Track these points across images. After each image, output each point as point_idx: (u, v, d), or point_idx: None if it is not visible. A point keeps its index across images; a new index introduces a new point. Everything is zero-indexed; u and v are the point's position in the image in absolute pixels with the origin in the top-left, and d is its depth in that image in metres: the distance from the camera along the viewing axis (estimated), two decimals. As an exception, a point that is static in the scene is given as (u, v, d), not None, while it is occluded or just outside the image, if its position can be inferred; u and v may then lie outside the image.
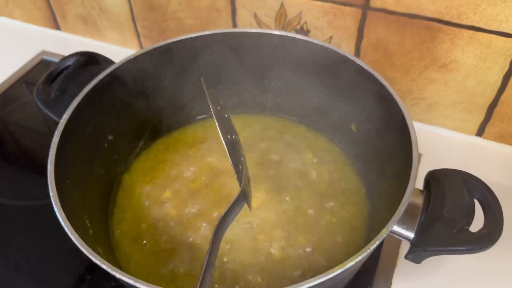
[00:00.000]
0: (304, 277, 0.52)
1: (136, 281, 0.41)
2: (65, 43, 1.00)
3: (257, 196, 0.61)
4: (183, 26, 0.86)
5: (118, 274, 0.42)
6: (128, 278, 0.41)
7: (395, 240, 0.64)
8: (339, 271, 0.41)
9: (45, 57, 0.96)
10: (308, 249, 0.57)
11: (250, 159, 0.65)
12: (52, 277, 0.62)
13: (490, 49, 0.65)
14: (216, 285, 0.54)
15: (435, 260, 0.61)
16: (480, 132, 0.76)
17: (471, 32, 0.64)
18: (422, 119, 0.78)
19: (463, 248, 0.46)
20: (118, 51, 0.95)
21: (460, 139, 0.77)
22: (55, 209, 0.46)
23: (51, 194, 0.47)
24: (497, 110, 0.72)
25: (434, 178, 0.51)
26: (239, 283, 0.54)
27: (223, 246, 0.56)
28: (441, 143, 0.77)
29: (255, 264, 0.55)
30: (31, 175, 0.76)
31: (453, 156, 0.75)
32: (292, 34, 0.63)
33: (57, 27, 1.02)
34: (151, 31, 0.90)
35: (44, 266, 0.63)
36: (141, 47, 0.95)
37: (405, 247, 0.63)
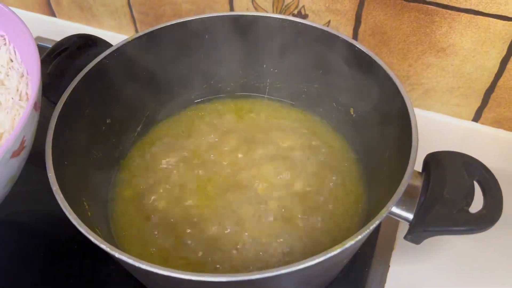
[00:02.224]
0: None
1: (135, 260, 0.40)
2: (60, 30, 0.99)
3: (255, 176, 0.61)
4: (179, 11, 0.85)
5: (117, 254, 0.41)
6: (128, 257, 0.41)
7: (392, 224, 0.64)
8: (339, 250, 0.41)
9: (40, 43, 0.95)
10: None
11: (248, 143, 0.65)
12: (49, 263, 0.62)
13: (489, 33, 0.65)
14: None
15: (433, 243, 0.61)
16: (476, 118, 0.76)
17: (470, 15, 0.64)
18: (419, 105, 0.78)
19: (464, 228, 0.46)
20: (114, 37, 0.94)
21: (457, 124, 0.78)
22: (53, 188, 0.45)
23: (49, 175, 0.47)
24: (494, 95, 0.72)
25: (434, 160, 0.51)
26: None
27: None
28: (437, 129, 0.77)
29: (246, 241, 0.56)
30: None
31: (450, 141, 0.74)
32: (292, 18, 0.62)
33: (52, 13, 1.01)
34: (147, 17, 0.89)
35: (41, 252, 0.63)
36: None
37: (402, 231, 0.63)
